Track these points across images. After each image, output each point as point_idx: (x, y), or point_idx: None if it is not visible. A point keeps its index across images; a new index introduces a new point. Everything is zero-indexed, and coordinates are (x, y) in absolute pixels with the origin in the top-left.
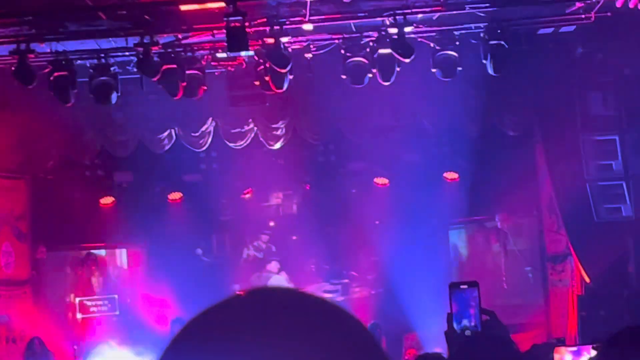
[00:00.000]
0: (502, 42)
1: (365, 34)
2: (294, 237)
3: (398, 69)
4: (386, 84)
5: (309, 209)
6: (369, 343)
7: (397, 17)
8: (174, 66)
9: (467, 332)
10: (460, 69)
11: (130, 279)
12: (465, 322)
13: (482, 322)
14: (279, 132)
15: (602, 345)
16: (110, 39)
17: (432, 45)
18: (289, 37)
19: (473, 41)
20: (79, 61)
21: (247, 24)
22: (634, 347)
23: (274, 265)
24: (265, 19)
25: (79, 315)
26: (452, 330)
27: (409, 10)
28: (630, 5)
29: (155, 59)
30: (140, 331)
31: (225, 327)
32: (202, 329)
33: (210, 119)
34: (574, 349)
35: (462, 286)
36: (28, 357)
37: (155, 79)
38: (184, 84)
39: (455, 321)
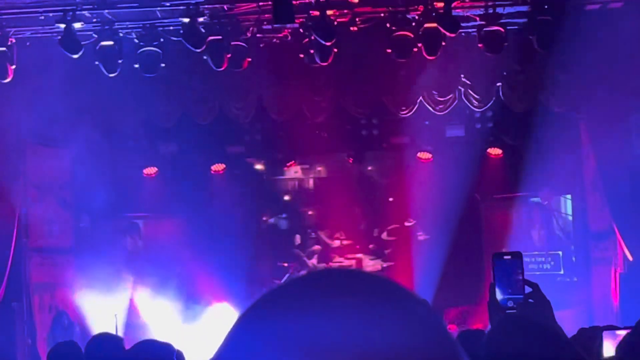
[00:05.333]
0: (549, 18)
1: (411, 7)
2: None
3: (444, 43)
4: (431, 58)
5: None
6: (437, 326)
7: None
8: (219, 37)
9: (510, 303)
10: (506, 44)
11: (172, 250)
12: (508, 292)
13: (526, 294)
14: (322, 105)
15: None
16: (155, 8)
17: (478, 20)
18: (334, 10)
19: (518, 19)
20: (124, 31)
21: None
22: None
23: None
24: None
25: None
26: (495, 300)
27: None
28: None
29: (201, 29)
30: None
31: (293, 303)
32: (271, 306)
33: (254, 90)
34: (622, 332)
35: (505, 257)
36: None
37: (200, 49)
38: (229, 55)
39: (498, 292)
